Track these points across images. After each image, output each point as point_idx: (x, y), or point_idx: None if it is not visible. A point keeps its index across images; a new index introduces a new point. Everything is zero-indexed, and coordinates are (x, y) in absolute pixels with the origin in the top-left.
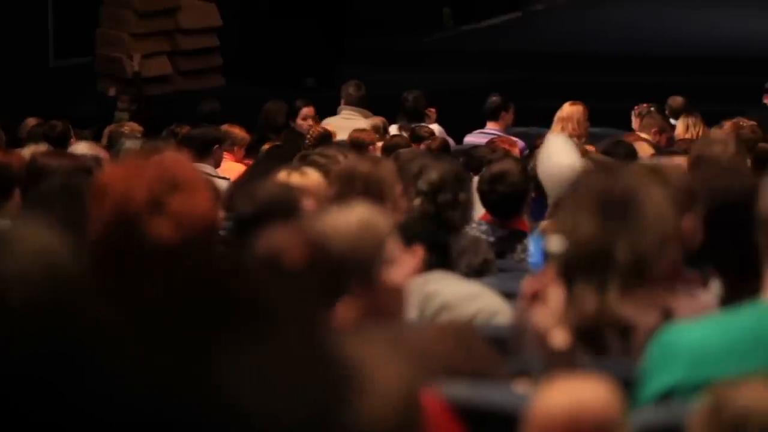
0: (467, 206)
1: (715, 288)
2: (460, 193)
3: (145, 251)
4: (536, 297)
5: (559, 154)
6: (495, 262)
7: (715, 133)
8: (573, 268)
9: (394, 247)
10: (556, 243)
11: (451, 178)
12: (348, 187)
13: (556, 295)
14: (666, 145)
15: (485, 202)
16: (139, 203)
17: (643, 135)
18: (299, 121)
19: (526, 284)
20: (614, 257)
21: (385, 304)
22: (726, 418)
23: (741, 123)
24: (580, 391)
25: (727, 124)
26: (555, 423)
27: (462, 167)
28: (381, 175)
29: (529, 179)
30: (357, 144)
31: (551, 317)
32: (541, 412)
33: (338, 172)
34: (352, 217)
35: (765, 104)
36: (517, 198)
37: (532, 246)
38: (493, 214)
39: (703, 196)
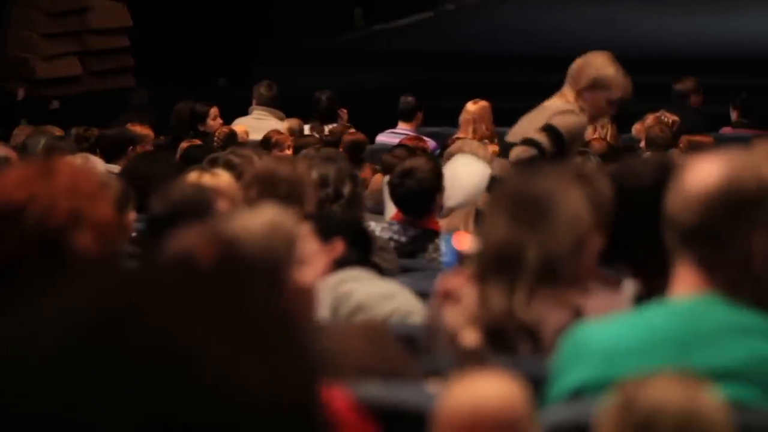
0: (354, 201)
1: (629, 287)
2: (343, 188)
3: (73, 266)
4: (449, 296)
5: (466, 179)
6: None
7: (636, 127)
8: (484, 269)
9: (304, 248)
10: (467, 243)
11: (335, 173)
12: (269, 190)
13: (468, 295)
14: None
15: (395, 197)
16: (59, 218)
17: None
18: (210, 122)
19: (439, 283)
20: (524, 259)
21: (295, 305)
22: (635, 415)
23: (663, 117)
24: (485, 388)
25: (650, 118)
26: (459, 420)
27: (351, 165)
28: (300, 176)
29: (441, 178)
30: (271, 144)
31: (462, 317)
32: (446, 409)
33: (258, 174)
34: (262, 219)
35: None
36: (427, 194)
37: (444, 245)
38: (402, 210)
39: (613, 194)
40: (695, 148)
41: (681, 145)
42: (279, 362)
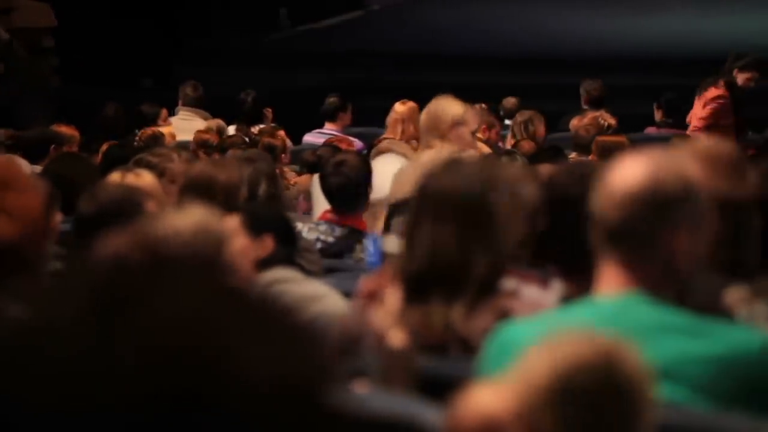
0: (270, 201)
1: (557, 287)
2: (258, 189)
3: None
4: (373, 297)
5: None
6: None
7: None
8: (421, 281)
9: (232, 249)
10: (392, 244)
11: (250, 174)
12: (206, 195)
13: (393, 296)
14: (496, 141)
15: (326, 190)
16: None
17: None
18: (160, 122)
19: (363, 284)
20: (470, 269)
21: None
22: (554, 374)
23: (601, 119)
24: (488, 400)
25: (588, 117)
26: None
27: (270, 165)
28: (236, 182)
29: (370, 173)
30: (201, 145)
31: (389, 318)
32: (459, 423)
33: (194, 179)
34: (190, 220)
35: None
36: (358, 186)
37: (370, 246)
38: (333, 202)
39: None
40: (609, 149)
41: (593, 146)
42: (288, 349)
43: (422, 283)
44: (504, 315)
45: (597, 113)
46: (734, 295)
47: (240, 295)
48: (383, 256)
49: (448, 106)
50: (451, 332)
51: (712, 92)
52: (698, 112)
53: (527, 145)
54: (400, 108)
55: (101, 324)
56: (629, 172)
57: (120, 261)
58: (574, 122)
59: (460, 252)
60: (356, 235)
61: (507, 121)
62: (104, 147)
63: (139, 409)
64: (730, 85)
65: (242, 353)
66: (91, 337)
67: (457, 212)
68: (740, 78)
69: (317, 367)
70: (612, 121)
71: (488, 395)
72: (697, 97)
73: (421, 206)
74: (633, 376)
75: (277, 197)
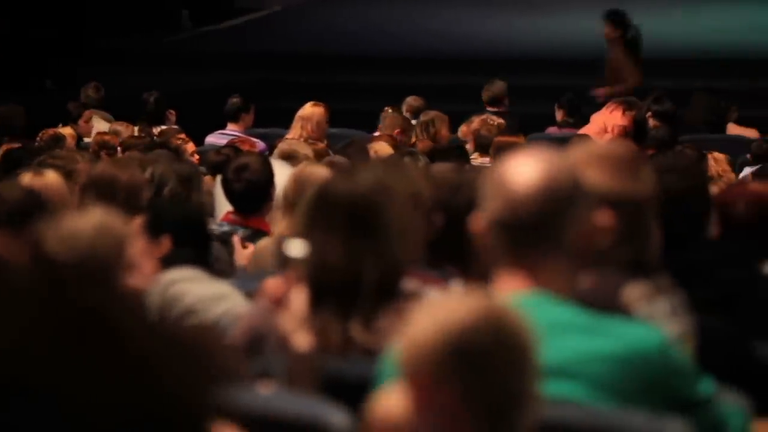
0: (179, 200)
1: (456, 287)
2: (163, 189)
3: None
4: (278, 300)
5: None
6: None
7: (462, 129)
8: (318, 293)
9: (134, 251)
10: (296, 247)
11: (156, 174)
12: (107, 195)
13: (297, 299)
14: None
15: (230, 194)
16: None
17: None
18: (81, 123)
19: (267, 287)
20: (362, 277)
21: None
22: (449, 336)
23: (489, 120)
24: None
25: (475, 121)
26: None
27: (194, 168)
28: (139, 182)
29: (273, 175)
30: (102, 146)
31: (293, 320)
32: (378, 422)
33: (96, 178)
34: (90, 221)
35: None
36: (262, 189)
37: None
38: (237, 206)
39: (439, 196)
40: (506, 150)
41: (491, 148)
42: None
43: (317, 293)
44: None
45: (483, 116)
46: (634, 292)
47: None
48: (286, 260)
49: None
50: (352, 345)
51: (618, 117)
52: (599, 125)
53: (426, 145)
54: (308, 108)
55: None
56: (522, 172)
57: None
58: (464, 128)
59: (349, 260)
60: (259, 235)
61: (413, 122)
62: (4, 148)
63: None
64: (639, 123)
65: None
66: None
67: (347, 219)
68: (652, 121)
69: (156, 396)
70: (501, 121)
71: (395, 400)
72: (606, 103)
73: (313, 214)
74: (520, 334)
75: (185, 197)
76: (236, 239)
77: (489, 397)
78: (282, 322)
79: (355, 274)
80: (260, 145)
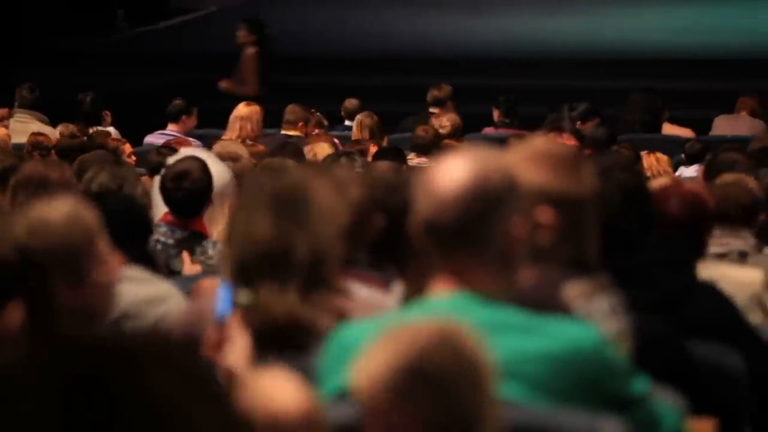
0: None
1: (397, 288)
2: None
3: None
4: (219, 347)
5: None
6: None
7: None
8: (251, 270)
9: (103, 243)
10: (243, 295)
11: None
12: (39, 194)
13: (241, 343)
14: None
15: (169, 201)
16: None
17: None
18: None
19: (200, 287)
20: (294, 256)
21: (93, 302)
22: (405, 360)
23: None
24: (277, 392)
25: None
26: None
27: (132, 168)
28: (70, 180)
29: (211, 178)
30: (36, 146)
31: (238, 363)
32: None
33: (27, 177)
34: (61, 210)
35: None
36: (201, 195)
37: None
38: (176, 212)
39: (377, 196)
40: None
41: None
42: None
43: (248, 272)
44: (341, 316)
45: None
46: (573, 290)
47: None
48: (234, 305)
49: None
50: (293, 317)
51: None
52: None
53: (366, 146)
54: (242, 108)
55: None
56: (453, 173)
57: None
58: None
59: (278, 235)
60: (197, 237)
61: (348, 122)
62: None
63: None
64: (580, 136)
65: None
66: None
67: (272, 202)
68: (586, 128)
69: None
70: (447, 124)
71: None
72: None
73: (241, 199)
74: (477, 355)
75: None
76: (186, 255)
77: (447, 419)
78: (227, 363)
79: (285, 248)
80: (197, 145)
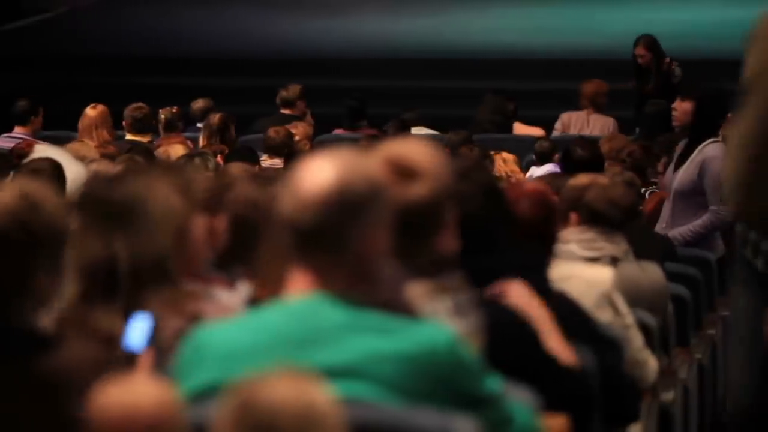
0: None
1: (243, 289)
2: None
3: None
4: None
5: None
6: None
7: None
8: (86, 289)
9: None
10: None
11: None
12: None
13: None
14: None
15: None
16: None
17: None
18: None
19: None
20: (118, 266)
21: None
22: (253, 416)
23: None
24: (137, 391)
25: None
26: (109, 424)
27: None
28: None
29: (65, 181)
30: None
31: None
32: (96, 414)
33: None
34: (12, 190)
35: None
36: None
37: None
38: None
39: (229, 199)
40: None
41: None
42: None
43: (88, 287)
44: (195, 318)
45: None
46: (417, 290)
47: None
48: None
49: None
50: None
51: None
52: None
53: (217, 148)
54: (91, 112)
55: None
56: (316, 174)
57: None
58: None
59: (104, 247)
60: None
61: (198, 124)
62: None
63: None
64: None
65: None
66: None
67: (99, 208)
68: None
69: None
70: (305, 125)
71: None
72: None
73: (77, 214)
74: (329, 418)
75: None
76: None
77: None
78: None
79: (111, 260)
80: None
